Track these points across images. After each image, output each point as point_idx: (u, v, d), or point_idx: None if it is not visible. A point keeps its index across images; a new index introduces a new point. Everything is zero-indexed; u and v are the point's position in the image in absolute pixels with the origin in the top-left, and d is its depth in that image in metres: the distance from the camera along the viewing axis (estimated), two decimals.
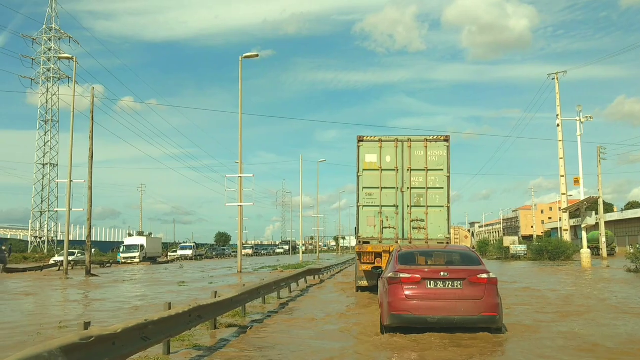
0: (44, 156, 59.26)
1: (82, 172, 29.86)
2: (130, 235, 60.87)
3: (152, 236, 65.85)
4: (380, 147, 15.37)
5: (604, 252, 43.95)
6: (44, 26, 59.47)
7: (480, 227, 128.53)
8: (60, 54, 48.03)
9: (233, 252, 76.29)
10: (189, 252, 64.48)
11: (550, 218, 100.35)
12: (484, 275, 8.05)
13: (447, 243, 14.66)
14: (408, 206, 15.09)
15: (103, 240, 78.37)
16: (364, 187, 15.33)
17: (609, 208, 66.69)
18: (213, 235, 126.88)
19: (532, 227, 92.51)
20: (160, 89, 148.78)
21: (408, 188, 15.13)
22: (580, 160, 36.35)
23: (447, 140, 15.38)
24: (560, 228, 50.54)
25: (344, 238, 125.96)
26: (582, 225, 31.60)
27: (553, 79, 40.27)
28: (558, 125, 39.19)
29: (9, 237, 65.42)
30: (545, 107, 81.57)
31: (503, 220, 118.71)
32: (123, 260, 48.30)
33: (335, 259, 51.41)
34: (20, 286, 21.61)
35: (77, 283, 23.76)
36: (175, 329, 6.70)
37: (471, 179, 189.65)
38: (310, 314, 11.32)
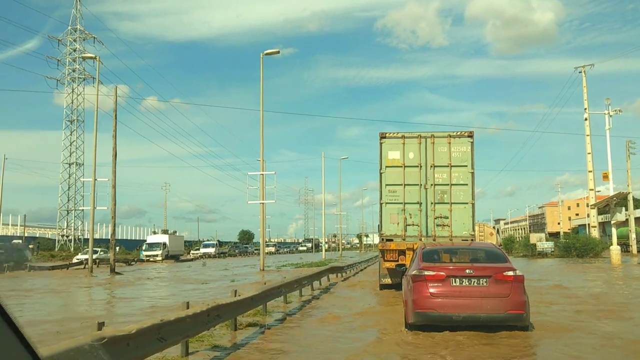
0: (69, 156, 60.35)
1: (107, 171, 30.34)
2: (154, 233, 61.46)
3: (177, 234, 66.45)
4: (403, 143, 15.24)
5: (634, 248, 42.89)
6: (69, 27, 60.54)
7: (505, 224, 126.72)
8: (84, 54, 48.82)
9: (256, 249, 76.68)
10: (211, 250, 64.58)
11: (577, 214, 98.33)
12: (510, 273, 7.93)
13: (472, 240, 14.49)
14: (432, 203, 14.94)
15: (129, 238, 79.73)
16: (386, 184, 15.23)
17: (638, 204, 64.97)
18: (236, 233, 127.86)
19: (558, 223, 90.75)
20: (184, 89, 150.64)
21: (431, 185, 14.98)
22: (609, 155, 35.49)
23: (471, 136, 15.19)
24: (588, 224, 49.51)
25: (367, 235, 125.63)
26: (612, 222, 30.90)
27: (580, 72, 39.40)
28: (586, 119, 38.32)
29: (37, 235, 66.98)
30: (572, 101, 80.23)
31: (529, 216, 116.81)
32: (145, 258, 48.66)
33: (358, 257, 51.30)
34: (43, 284, 21.89)
35: (101, 281, 24.04)
36: (193, 329, 6.54)
37: (496, 175, 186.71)
38: (333, 312, 11.23)
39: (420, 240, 14.34)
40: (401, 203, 15.05)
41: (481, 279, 7.86)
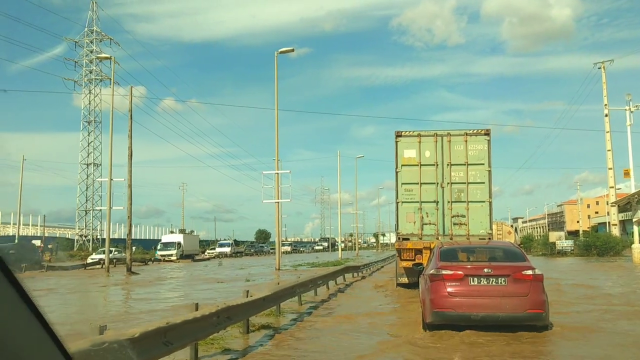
0: (87, 156, 61.19)
1: (125, 172, 30.53)
2: (172, 232, 61.82)
3: (194, 233, 66.78)
4: (419, 142, 15.15)
5: None
6: (86, 29, 61.35)
7: (523, 222, 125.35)
8: (100, 55, 49.37)
9: (271, 249, 76.77)
10: (227, 250, 64.37)
11: (596, 212, 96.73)
12: (529, 272, 7.85)
13: (489, 239, 14.37)
14: (448, 202, 14.84)
15: (147, 238, 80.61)
16: (402, 183, 15.17)
17: None
18: (253, 233, 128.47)
19: (577, 222, 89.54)
20: (200, 89, 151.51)
21: (448, 183, 14.88)
22: (630, 151, 35.01)
23: (487, 134, 15.05)
24: (609, 222, 48.71)
25: (383, 235, 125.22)
26: (634, 220, 30.34)
27: (599, 68, 38.85)
28: (606, 116, 37.76)
29: (57, 235, 68.02)
30: (590, 98, 78.92)
31: (547, 215, 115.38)
32: (160, 258, 48.59)
33: (375, 256, 51.16)
34: (58, 284, 21.95)
35: (117, 281, 24.14)
36: (202, 332, 6.30)
37: (514, 173, 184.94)
38: (349, 312, 11.11)
39: (437, 239, 14.24)
40: (417, 202, 14.97)
41: (500, 278, 7.79)
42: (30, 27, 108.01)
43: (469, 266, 8.14)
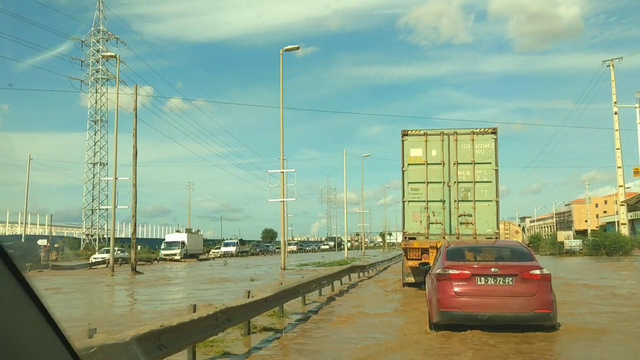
0: (94, 155, 61.37)
1: (130, 171, 30.57)
2: (178, 232, 61.82)
3: (200, 233, 66.80)
4: (426, 140, 15.06)
5: None
6: (92, 28, 61.52)
7: (531, 221, 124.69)
8: (106, 53, 49.50)
9: (277, 248, 76.82)
10: (232, 249, 64.00)
11: (605, 212, 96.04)
12: (537, 272, 7.77)
13: (496, 238, 14.25)
14: (455, 201, 14.75)
15: (154, 237, 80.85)
16: (409, 182, 15.09)
17: None
18: (260, 232, 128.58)
19: (585, 221, 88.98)
20: (207, 89, 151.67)
21: (455, 182, 14.78)
22: None
23: (494, 132, 14.93)
24: (618, 222, 48.31)
25: (390, 234, 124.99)
26: None
27: (608, 65, 38.51)
28: (615, 113, 37.44)
29: (65, 234, 68.36)
30: (598, 97, 78.30)
31: (555, 214, 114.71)
32: (164, 257, 48.47)
33: (381, 255, 50.99)
34: (61, 283, 21.78)
35: (121, 281, 24.02)
36: (199, 335, 6.05)
37: (521, 172, 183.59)
38: (353, 313, 10.93)
39: (444, 238, 14.15)
40: (424, 201, 14.88)
41: (507, 278, 7.71)
42: (36, 26, 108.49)
43: (476, 266, 8.07)
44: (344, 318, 10.25)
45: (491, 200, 14.65)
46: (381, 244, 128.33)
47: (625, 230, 41.34)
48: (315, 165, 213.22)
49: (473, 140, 14.83)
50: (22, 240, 46.67)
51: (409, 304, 12.46)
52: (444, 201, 14.81)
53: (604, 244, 40.17)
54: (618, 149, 37.47)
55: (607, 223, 76.45)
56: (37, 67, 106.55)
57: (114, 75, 59.90)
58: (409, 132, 15.30)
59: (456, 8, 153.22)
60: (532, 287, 7.65)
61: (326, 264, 34.29)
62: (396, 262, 35.70)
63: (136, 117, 29.98)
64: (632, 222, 51.40)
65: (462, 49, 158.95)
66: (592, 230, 74.95)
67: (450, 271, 7.91)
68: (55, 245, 45.10)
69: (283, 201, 30.80)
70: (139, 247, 37.49)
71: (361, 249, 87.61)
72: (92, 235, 61.74)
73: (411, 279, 15.37)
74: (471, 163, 14.73)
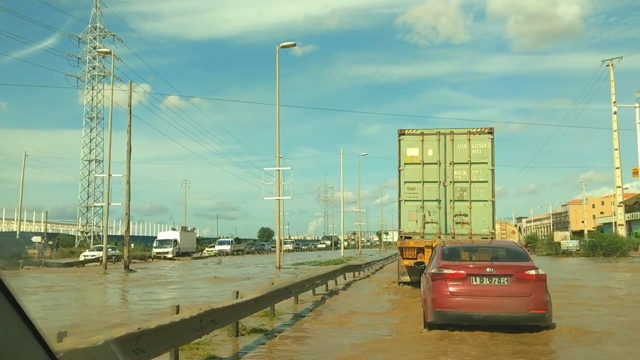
0: (89, 153, 61.15)
1: (125, 168, 30.34)
2: (174, 230, 61.46)
3: (194, 231, 66.40)
4: (422, 140, 15.02)
5: None
6: (89, 25, 61.34)
7: (528, 222, 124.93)
8: (101, 49, 49.26)
9: (273, 247, 76.50)
10: (227, 247, 62.76)
11: (602, 212, 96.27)
12: (532, 272, 7.73)
13: (492, 238, 14.23)
14: (451, 200, 14.71)
15: (150, 235, 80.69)
16: (405, 182, 15.04)
17: None
18: (256, 231, 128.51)
19: (582, 222, 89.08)
20: (205, 87, 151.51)
21: (451, 182, 14.74)
22: (639, 150, 34.61)
23: (491, 132, 14.90)
24: (615, 223, 48.38)
25: (386, 233, 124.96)
26: None
27: (607, 65, 38.52)
28: (615, 113, 37.42)
29: (60, 232, 68.13)
30: (597, 97, 78.48)
31: (552, 215, 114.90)
32: (156, 255, 47.76)
33: (378, 255, 50.98)
34: (52, 281, 21.26)
35: (112, 279, 23.57)
36: (181, 338, 5.79)
37: (518, 173, 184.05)
38: (347, 312, 10.81)
39: (439, 237, 14.10)
40: (420, 200, 14.84)
41: (502, 278, 7.65)
42: (33, 22, 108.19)
43: (471, 265, 8.03)
44: (336, 318, 10.13)
45: (487, 200, 14.62)
46: (378, 243, 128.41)
47: (622, 232, 41.36)
48: (313, 164, 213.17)
49: (469, 140, 14.78)
50: (17, 237, 46.47)
51: (404, 303, 12.41)
52: (440, 201, 14.77)
53: (601, 244, 40.20)
54: (617, 149, 37.49)
55: (604, 224, 76.60)
56: (33, 64, 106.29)
57: (110, 72, 59.69)
58: (406, 132, 15.25)
59: (455, 7, 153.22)
60: (527, 287, 7.61)
61: (322, 262, 34.18)
62: (392, 262, 35.63)
63: (130, 113, 29.76)
64: (629, 223, 51.49)
65: (460, 48, 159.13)
66: (588, 231, 75.11)
67: (446, 271, 7.85)
68: (50, 243, 44.92)
69: (278, 199, 30.66)
70: (132, 244, 37.22)
71: (358, 247, 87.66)
72: (87, 233, 61.53)
73: (406, 278, 15.38)
74: (467, 163, 14.69)
